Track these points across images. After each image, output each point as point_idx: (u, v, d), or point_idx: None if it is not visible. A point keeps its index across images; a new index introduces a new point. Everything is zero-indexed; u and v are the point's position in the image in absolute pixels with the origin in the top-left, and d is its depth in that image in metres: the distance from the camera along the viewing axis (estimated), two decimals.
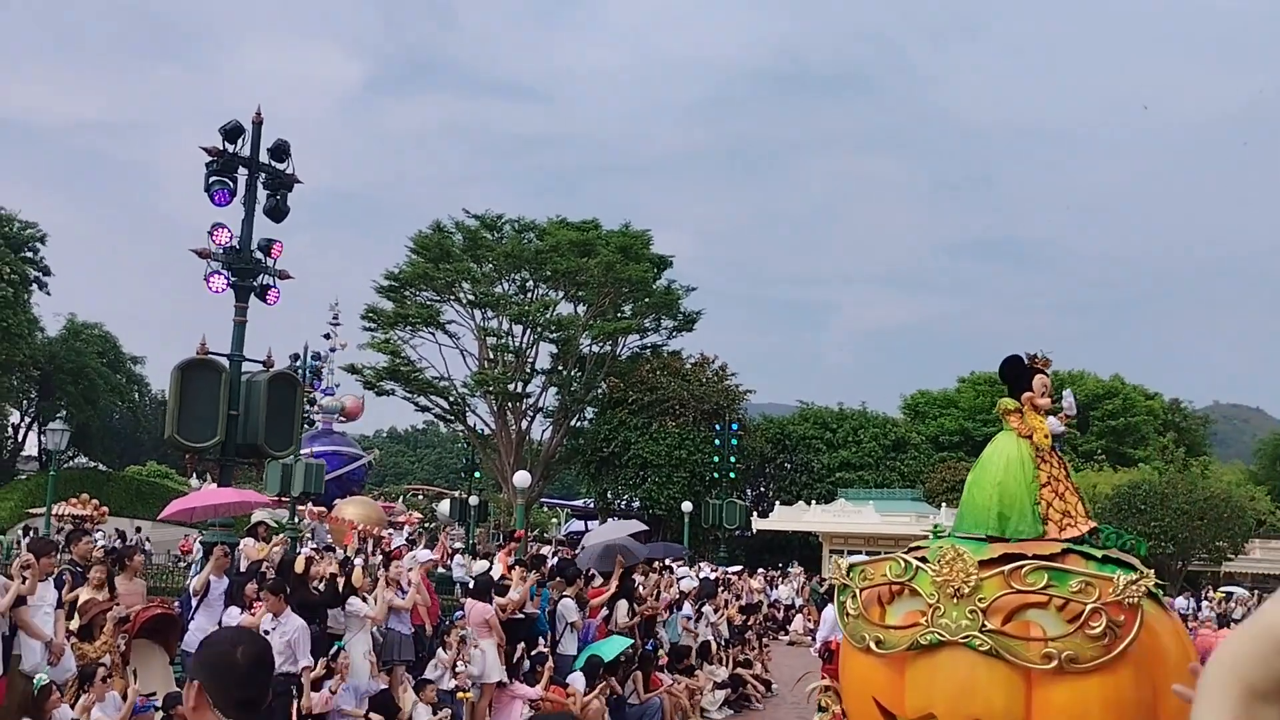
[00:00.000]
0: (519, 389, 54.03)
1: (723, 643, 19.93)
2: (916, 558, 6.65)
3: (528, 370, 54.36)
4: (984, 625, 6.13)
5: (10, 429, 69.38)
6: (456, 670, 12.59)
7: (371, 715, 11.36)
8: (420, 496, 74.72)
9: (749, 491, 59.28)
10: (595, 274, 51.55)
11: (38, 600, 9.45)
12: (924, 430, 63.92)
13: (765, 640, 23.47)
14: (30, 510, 42.29)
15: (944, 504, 45.51)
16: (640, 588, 17.17)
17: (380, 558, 19.95)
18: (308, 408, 45.22)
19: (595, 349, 55.36)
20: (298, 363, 44.03)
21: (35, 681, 8.95)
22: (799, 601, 35.00)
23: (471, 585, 15.02)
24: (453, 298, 54.22)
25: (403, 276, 54.03)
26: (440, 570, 21.31)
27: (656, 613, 17.37)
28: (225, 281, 16.97)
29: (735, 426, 50.75)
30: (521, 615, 13.99)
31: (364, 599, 12.05)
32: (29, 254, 61.98)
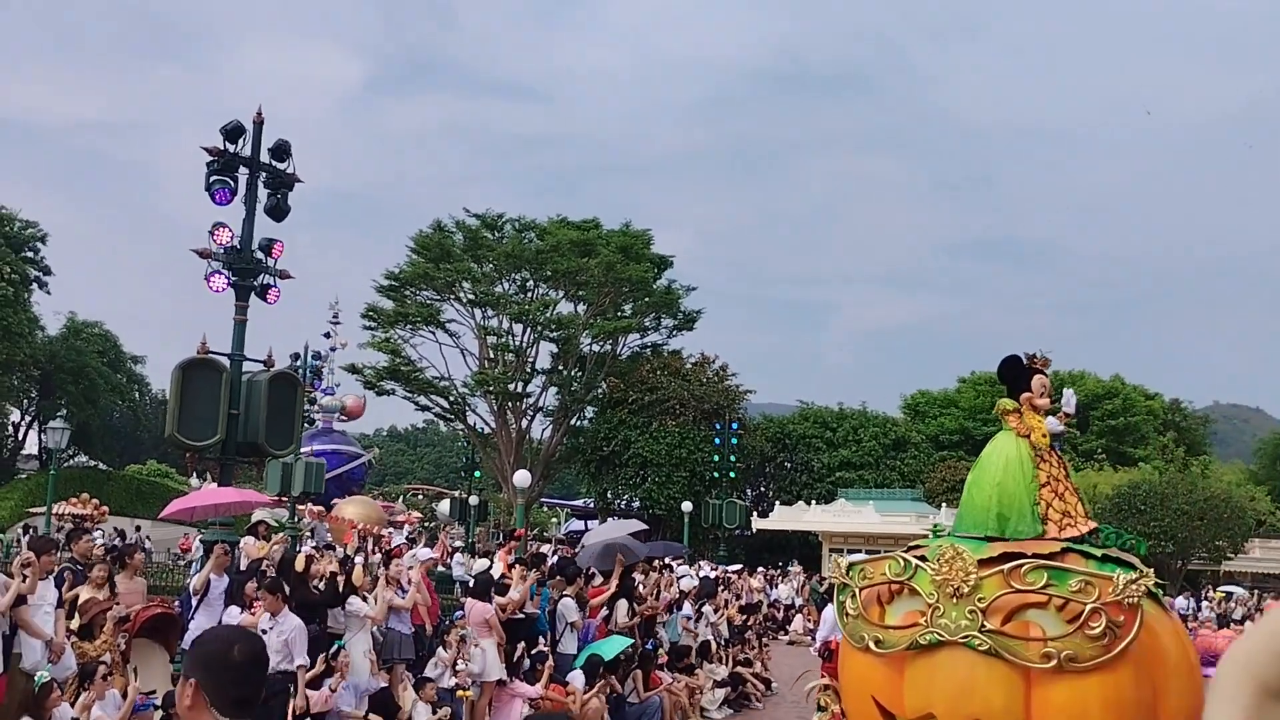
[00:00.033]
0: (519, 388, 54.04)
1: (722, 642, 19.93)
2: (916, 557, 6.65)
3: (528, 370, 54.37)
4: (983, 625, 6.13)
5: (10, 428, 69.38)
6: (456, 669, 12.60)
7: (371, 716, 11.36)
8: (420, 496, 74.73)
9: (749, 491, 59.29)
10: (596, 273, 51.54)
11: (38, 599, 9.46)
12: (924, 430, 63.94)
13: (765, 639, 23.46)
14: (30, 509, 42.30)
15: (944, 504, 45.53)
16: (640, 587, 17.17)
17: (379, 557, 19.99)
18: (308, 407, 45.24)
19: (595, 348, 55.37)
20: (298, 362, 44.03)
21: (36, 679, 8.96)
22: (799, 601, 35.01)
23: (472, 584, 15.01)
24: (453, 297, 54.21)
25: (403, 276, 54.01)
26: (440, 569, 21.33)
27: (656, 612, 17.37)
28: (226, 281, 16.97)
29: (735, 426, 50.74)
30: (522, 614, 13.99)
31: (364, 598, 12.06)
32: (29, 253, 61.99)
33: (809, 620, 30.48)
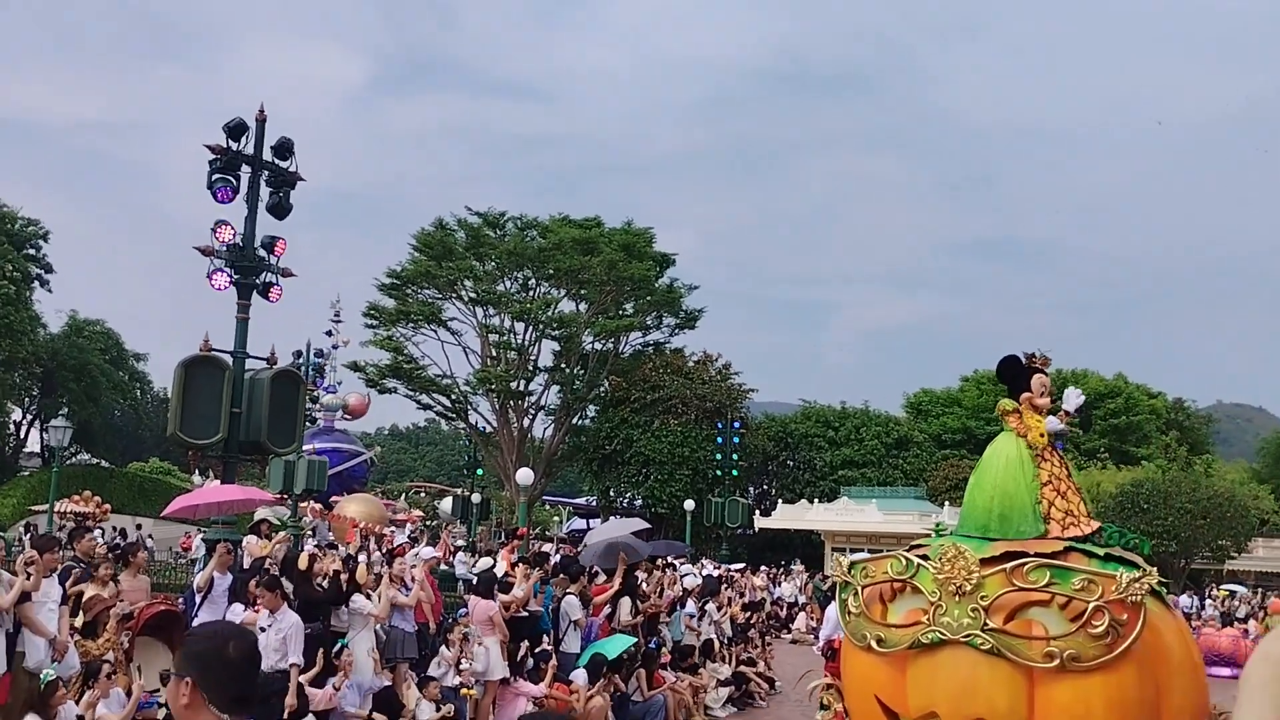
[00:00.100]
0: (521, 387, 54.04)
1: (726, 641, 19.93)
2: (918, 555, 6.64)
3: (530, 368, 54.37)
4: (986, 624, 6.12)
5: (12, 426, 69.36)
6: (460, 668, 12.60)
7: (375, 714, 11.36)
8: (422, 494, 74.70)
9: (751, 490, 59.31)
10: (598, 272, 51.54)
11: (42, 597, 9.47)
12: (926, 429, 63.95)
13: (768, 638, 23.47)
14: (33, 507, 42.31)
15: (946, 502, 45.56)
16: (643, 585, 17.17)
17: (380, 555, 19.98)
18: (310, 405, 45.24)
19: (597, 347, 55.37)
20: (300, 360, 44.03)
21: (42, 677, 8.97)
22: (802, 599, 35.00)
23: (475, 582, 15.02)
24: (455, 295, 54.21)
25: (405, 274, 54.01)
26: (443, 568, 21.33)
27: (660, 610, 17.36)
28: (228, 279, 17.01)
29: (738, 425, 50.74)
30: (525, 613, 13.99)
31: (368, 596, 12.06)
32: (31, 251, 62.00)
33: (812, 619, 30.47)
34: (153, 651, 11.64)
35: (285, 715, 10.07)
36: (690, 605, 19.39)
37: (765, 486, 61.50)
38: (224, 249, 16.95)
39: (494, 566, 16.29)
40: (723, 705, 17.42)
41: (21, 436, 70.53)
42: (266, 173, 17.58)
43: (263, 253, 17.49)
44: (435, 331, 54.27)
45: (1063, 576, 6.13)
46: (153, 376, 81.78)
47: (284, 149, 17.72)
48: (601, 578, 16.85)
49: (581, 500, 69.09)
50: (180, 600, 13.00)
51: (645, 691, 14.84)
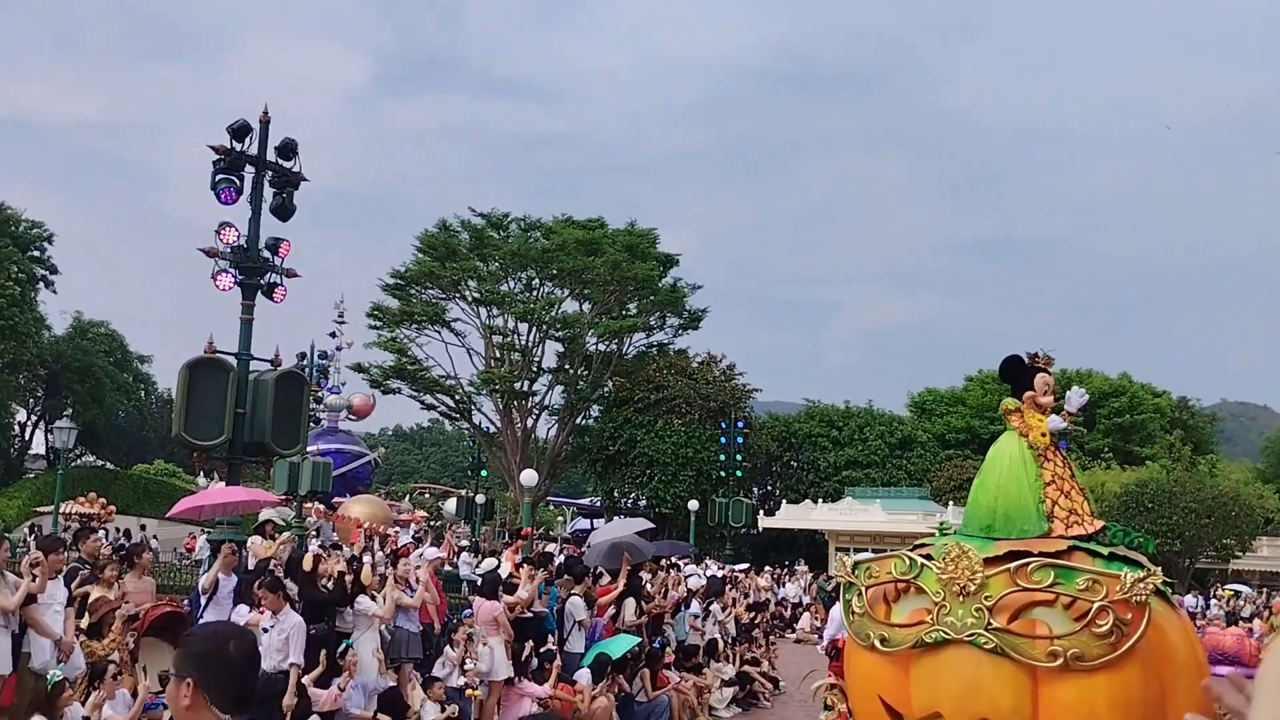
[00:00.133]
0: (525, 387, 54.08)
1: (730, 641, 19.94)
2: (921, 555, 6.64)
3: (534, 368, 54.41)
4: (990, 623, 6.11)
5: (17, 427, 69.45)
6: (464, 668, 12.61)
7: (380, 715, 11.37)
8: (426, 495, 74.78)
9: (755, 490, 59.26)
10: (601, 272, 51.58)
11: (47, 598, 9.50)
12: (931, 428, 63.89)
13: (772, 638, 23.49)
14: (38, 509, 42.39)
15: (951, 502, 45.52)
16: (648, 586, 17.17)
17: (383, 555, 20.00)
18: (314, 406, 45.28)
19: (601, 347, 55.39)
20: (304, 361, 44.07)
21: (49, 678, 8.99)
22: (806, 599, 35.01)
23: (479, 583, 15.04)
24: (459, 296, 54.30)
25: (409, 275, 54.10)
26: (447, 568, 21.35)
27: (664, 611, 17.37)
28: (233, 280, 17.04)
29: (741, 425, 50.73)
30: (530, 614, 14.00)
31: (373, 597, 12.07)
32: (35, 253, 62.11)
33: (816, 619, 30.47)
34: (158, 652, 11.65)
35: (287, 715, 10.09)
36: (695, 605, 19.41)
37: (769, 486, 61.48)
38: (228, 250, 16.98)
39: (498, 567, 16.31)
40: (727, 705, 17.44)
41: (26, 438, 70.62)
42: (270, 173, 17.61)
43: (267, 254, 17.51)
44: (439, 332, 54.42)
45: (1067, 576, 6.13)
46: (157, 378, 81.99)
47: (287, 149, 17.75)
48: (606, 578, 16.87)
49: (585, 501, 69.13)
50: (185, 601, 13.03)
51: (650, 691, 14.85)
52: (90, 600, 10.85)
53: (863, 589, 6.80)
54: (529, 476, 31.43)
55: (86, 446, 67.70)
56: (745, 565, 36.14)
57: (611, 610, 15.77)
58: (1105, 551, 6.55)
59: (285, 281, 17.76)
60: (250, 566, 14.05)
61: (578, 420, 56.49)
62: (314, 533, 27.13)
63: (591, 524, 50.22)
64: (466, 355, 55.10)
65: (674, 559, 23.78)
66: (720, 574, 26.11)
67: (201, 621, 11.85)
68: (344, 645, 11.40)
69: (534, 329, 54.03)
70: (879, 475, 56.70)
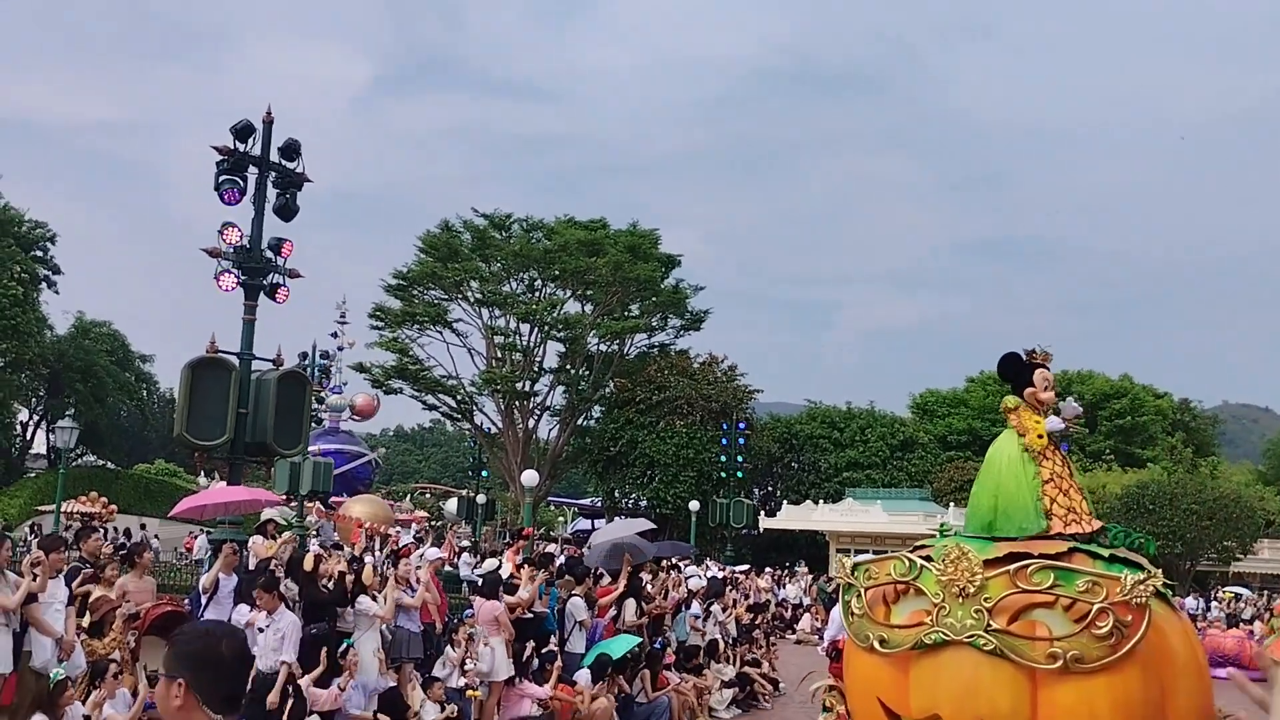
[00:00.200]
0: (526, 388, 54.11)
1: (730, 641, 19.94)
2: (921, 556, 6.64)
3: (535, 369, 54.46)
4: (989, 625, 6.12)
5: (19, 427, 69.49)
6: (465, 668, 12.61)
7: (379, 715, 11.38)
8: (427, 495, 74.81)
9: (756, 491, 59.27)
10: (603, 273, 51.61)
11: (48, 597, 9.51)
12: (932, 429, 63.90)
13: (773, 639, 23.48)
14: (39, 508, 42.43)
15: (952, 503, 45.51)
16: (648, 586, 17.18)
17: (384, 555, 20.01)
18: (316, 406, 45.30)
19: (603, 348, 55.42)
20: (306, 361, 44.10)
21: (52, 677, 9.00)
22: (806, 600, 35.02)
23: (480, 583, 15.05)
24: (460, 296, 54.37)
25: (411, 275, 54.15)
26: (447, 568, 21.36)
27: (664, 612, 17.37)
28: (235, 280, 17.05)
29: (743, 425, 50.72)
30: (530, 614, 14.00)
31: (374, 598, 12.08)
32: (38, 253, 62.16)
33: (817, 620, 30.48)
34: (159, 652, 11.65)
35: (284, 715, 10.09)
36: (695, 606, 19.41)
37: (770, 487, 61.50)
38: (231, 250, 17.00)
39: (499, 568, 16.32)
40: (727, 706, 17.43)
41: (28, 437, 70.66)
42: (273, 174, 17.62)
43: (269, 254, 17.53)
44: (441, 333, 54.49)
45: (1067, 578, 6.13)
46: (159, 378, 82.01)
47: (290, 150, 17.76)
48: (606, 579, 16.87)
49: (586, 501, 69.16)
50: (186, 601, 13.04)
51: (650, 692, 14.85)
52: (91, 599, 10.87)
53: (862, 590, 6.81)
54: (530, 477, 31.44)
55: (88, 446, 67.76)
56: (746, 566, 36.13)
57: (612, 611, 15.78)
58: (1106, 553, 6.56)
59: (287, 282, 17.77)
60: (251, 566, 14.05)
61: (579, 421, 56.53)
62: (314, 533, 27.17)
63: (592, 524, 50.26)
64: (468, 355, 55.26)
65: (675, 560, 23.78)
66: (721, 575, 26.11)
67: (201, 621, 11.87)
68: (345, 645, 11.41)
69: (535, 329, 54.08)
70: (880, 476, 56.73)
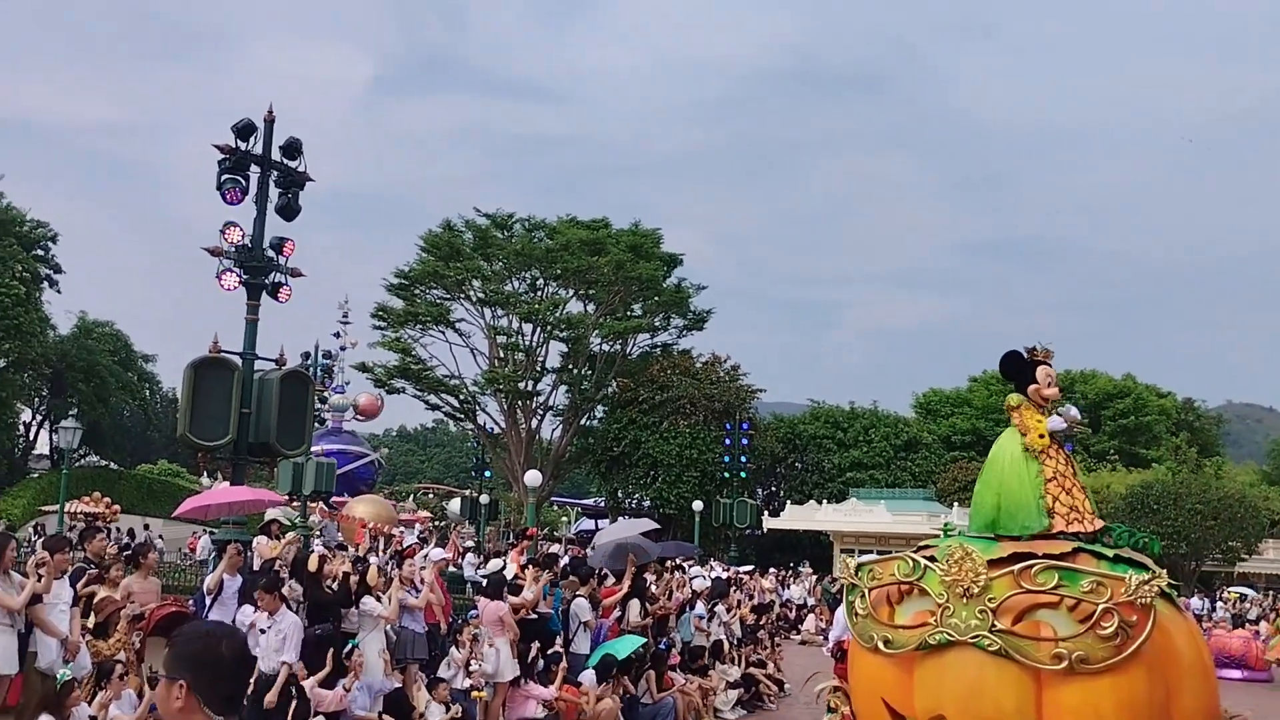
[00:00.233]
0: (529, 387, 54.12)
1: (735, 642, 19.91)
2: (925, 557, 6.63)
3: (538, 369, 54.46)
4: (994, 625, 6.10)
5: (22, 427, 69.55)
6: (470, 669, 12.60)
7: (384, 717, 11.36)
8: (430, 495, 74.82)
9: (760, 491, 59.24)
10: (605, 273, 51.60)
11: (53, 598, 9.50)
12: (936, 429, 63.82)
13: (778, 640, 23.43)
14: (42, 508, 42.45)
15: (956, 503, 45.46)
16: (652, 587, 17.16)
17: (388, 555, 19.98)
18: (318, 406, 45.31)
19: (605, 348, 55.42)
20: (309, 361, 44.10)
21: (59, 678, 9.00)
22: (811, 601, 35.00)
23: (485, 584, 15.04)
24: (463, 296, 54.37)
25: (413, 275, 54.16)
26: (451, 569, 21.35)
27: (669, 612, 17.35)
28: (237, 279, 17.04)
29: (746, 426, 50.69)
30: (535, 615, 13.99)
31: (379, 598, 12.07)
32: (40, 252, 62.22)
33: (821, 620, 30.46)
34: (163, 652, 11.65)
35: (290, 717, 10.07)
36: (699, 607, 19.38)
37: (774, 488, 61.46)
38: (233, 250, 16.99)
39: (504, 568, 16.31)
40: (732, 707, 17.41)
41: (31, 438, 70.76)
42: (275, 173, 17.61)
43: (271, 253, 17.52)
44: (443, 332, 54.46)
45: (1071, 578, 6.11)
46: (162, 377, 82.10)
47: (292, 149, 17.75)
48: (611, 579, 16.86)
49: (590, 501, 69.14)
50: (190, 602, 13.03)
51: (654, 693, 14.84)
52: (96, 600, 10.87)
53: (866, 590, 6.79)
54: (533, 477, 31.43)
55: (91, 446, 67.86)
56: (750, 566, 36.14)
57: (617, 612, 15.77)
58: (1110, 554, 6.54)
59: (290, 281, 17.76)
60: (256, 567, 14.05)
61: (582, 421, 56.50)
62: (318, 533, 27.18)
63: (596, 525, 50.23)
64: (471, 355, 55.26)
65: (679, 560, 23.75)
66: (725, 575, 26.08)
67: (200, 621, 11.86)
68: (350, 646, 11.40)
69: (538, 329, 54.08)
70: (884, 476, 56.68)
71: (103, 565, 11.76)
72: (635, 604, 15.92)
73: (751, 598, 25.48)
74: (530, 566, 15.23)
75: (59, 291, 64.44)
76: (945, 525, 7.73)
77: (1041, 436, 7.02)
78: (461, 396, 55.10)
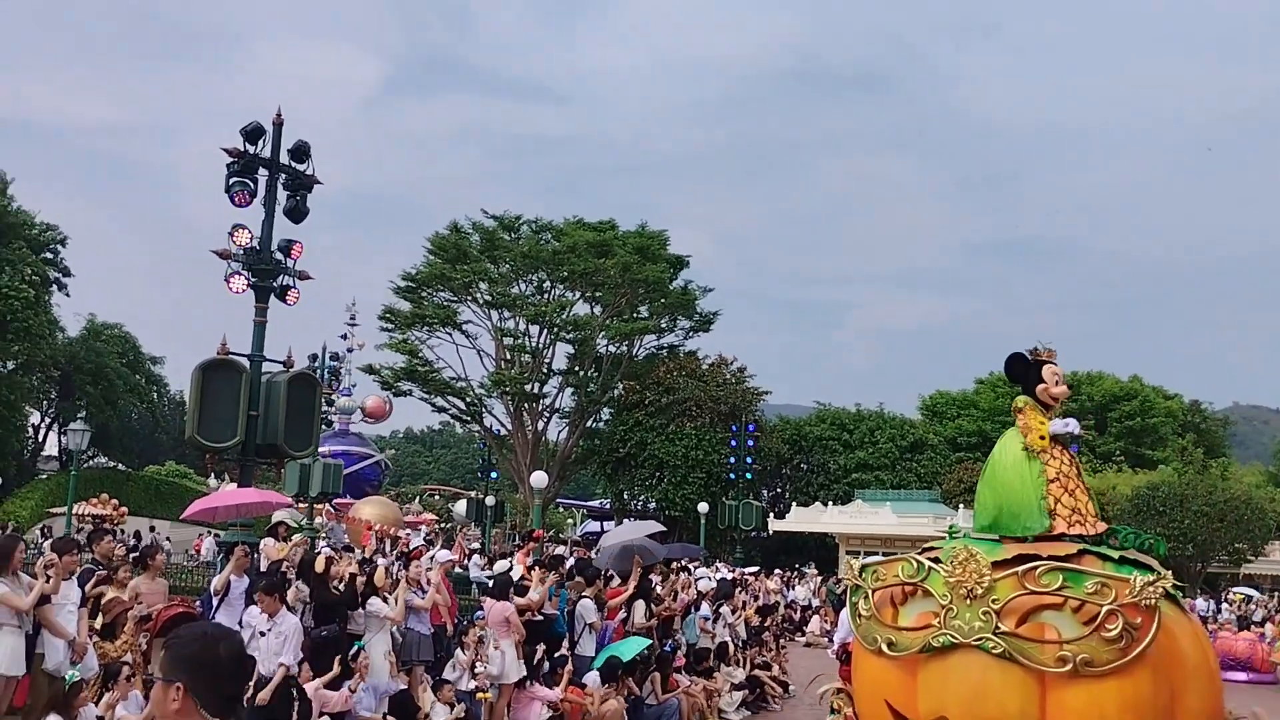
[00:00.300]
0: (535, 389, 54.16)
1: (740, 644, 19.92)
2: (929, 558, 6.63)
3: (544, 371, 54.49)
4: (997, 627, 6.10)
5: (31, 429, 69.68)
6: (475, 671, 12.62)
7: (389, 718, 11.38)
8: (436, 496, 74.87)
9: (765, 492, 59.23)
10: (612, 274, 51.61)
11: (61, 599, 9.54)
12: (941, 431, 63.77)
13: (782, 641, 23.44)
14: (50, 510, 42.58)
15: (961, 505, 45.40)
16: (658, 588, 17.17)
17: (394, 557, 20.02)
18: (325, 408, 45.34)
19: (612, 349, 55.43)
20: (316, 363, 44.15)
21: (67, 679, 9.04)
22: (816, 602, 34.98)
23: (491, 585, 15.06)
24: (470, 298, 54.40)
25: (420, 277, 54.21)
26: (457, 570, 21.38)
27: (674, 614, 17.37)
28: (245, 282, 17.07)
29: (752, 427, 50.68)
30: (540, 616, 14.01)
31: (385, 599, 12.10)
32: (49, 255, 62.34)
33: (826, 622, 30.46)
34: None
35: (294, 717, 10.09)
36: (705, 608, 19.39)
37: (779, 489, 61.41)
38: (241, 252, 17.03)
39: (510, 569, 16.33)
40: (737, 708, 17.42)
41: (40, 439, 70.87)
42: (284, 176, 17.65)
43: (279, 256, 17.55)
44: (450, 334, 54.52)
45: (1075, 580, 6.11)
46: (170, 380, 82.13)
47: (301, 152, 17.77)
48: (616, 581, 16.88)
49: (595, 503, 69.14)
50: (198, 603, 13.07)
51: (660, 694, 14.85)
52: (104, 601, 10.90)
53: (869, 592, 6.79)
54: (539, 479, 31.46)
55: (99, 448, 68.01)
56: (755, 568, 36.11)
57: (622, 613, 15.78)
58: (1115, 555, 6.53)
59: (297, 284, 17.80)
60: (262, 568, 14.08)
61: (588, 423, 56.51)
62: (324, 535, 27.23)
63: (602, 526, 50.23)
64: (477, 357, 55.30)
65: (684, 561, 23.76)
66: (730, 577, 26.09)
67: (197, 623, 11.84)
68: (356, 647, 11.43)
69: (545, 331, 54.12)
70: (889, 478, 56.63)
71: (111, 567, 11.80)
72: (640, 605, 15.94)
73: (756, 599, 25.47)
74: (536, 568, 15.25)
75: (68, 294, 64.60)
76: (950, 527, 7.72)
77: (1042, 438, 7.01)
78: (468, 398, 55.14)
